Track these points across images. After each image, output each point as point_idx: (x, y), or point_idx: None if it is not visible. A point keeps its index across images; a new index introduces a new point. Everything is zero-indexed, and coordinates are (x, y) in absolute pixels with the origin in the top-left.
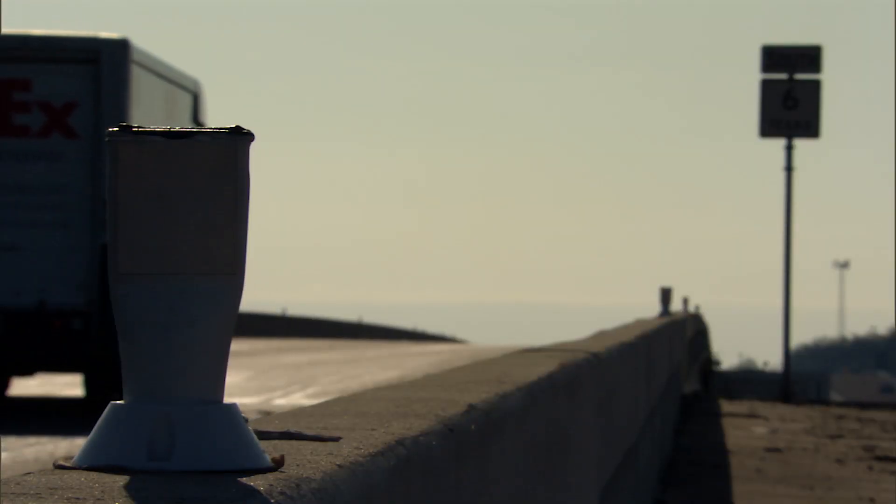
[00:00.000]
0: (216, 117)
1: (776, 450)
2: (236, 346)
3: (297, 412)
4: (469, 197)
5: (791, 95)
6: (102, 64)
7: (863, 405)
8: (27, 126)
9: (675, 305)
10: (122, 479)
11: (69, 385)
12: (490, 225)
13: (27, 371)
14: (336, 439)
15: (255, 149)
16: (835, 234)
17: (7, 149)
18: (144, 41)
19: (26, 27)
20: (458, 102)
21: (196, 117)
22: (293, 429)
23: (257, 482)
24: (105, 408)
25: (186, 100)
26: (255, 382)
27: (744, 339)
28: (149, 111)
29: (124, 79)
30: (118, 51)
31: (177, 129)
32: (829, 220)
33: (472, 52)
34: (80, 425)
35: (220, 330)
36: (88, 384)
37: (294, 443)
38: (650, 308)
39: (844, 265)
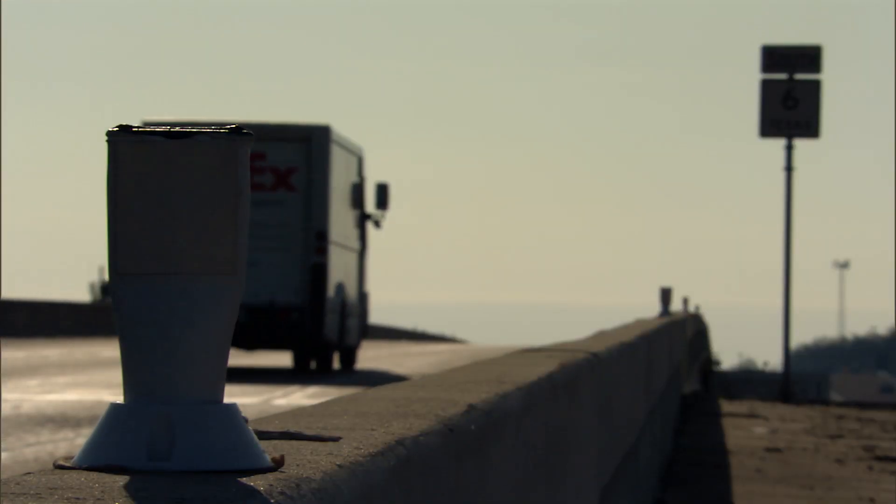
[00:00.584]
0: (216, 117)
1: (776, 450)
2: None
3: (297, 412)
4: (469, 197)
5: (791, 95)
6: (313, 142)
7: (863, 405)
8: (263, 183)
9: (675, 305)
10: (122, 479)
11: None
12: (490, 225)
13: (259, 347)
14: (336, 439)
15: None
16: (835, 234)
17: (250, 199)
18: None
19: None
20: (457, 102)
21: (360, 173)
22: (293, 429)
23: (257, 482)
24: (308, 372)
25: (356, 161)
26: (256, 382)
27: (744, 339)
28: (339, 172)
29: (326, 152)
30: (323, 133)
31: (176, 128)
32: (829, 220)
33: (471, 52)
34: (80, 425)
35: (220, 330)
36: (296, 358)
37: (294, 443)
38: (650, 308)
39: (844, 265)
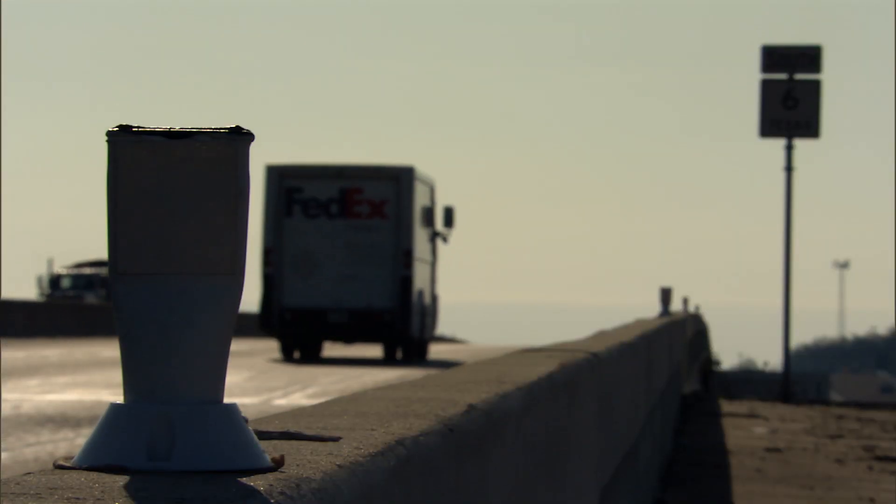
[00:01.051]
0: (216, 118)
1: (776, 450)
2: (236, 346)
3: (297, 412)
4: (469, 197)
5: (791, 95)
6: (401, 180)
7: (863, 405)
8: (361, 212)
9: (675, 305)
10: (122, 479)
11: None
12: (490, 225)
13: (358, 341)
14: (336, 439)
15: (254, 148)
16: (835, 234)
17: (352, 225)
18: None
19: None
20: (457, 102)
21: (432, 199)
22: (293, 429)
23: (257, 482)
24: (395, 361)
25: (429, 190)
26: (255, 382)
27: (744, 339)
28: (418, 201)
29: (411, 188)
30: (408, 173)
31: (177, 128)
32: (829, 220)
33: (470, 53)
34: (80, 425)
35: (220, 330)
36: (386, 350)
37: (294, 443)
38: (650, 308)
39: (844, 265)
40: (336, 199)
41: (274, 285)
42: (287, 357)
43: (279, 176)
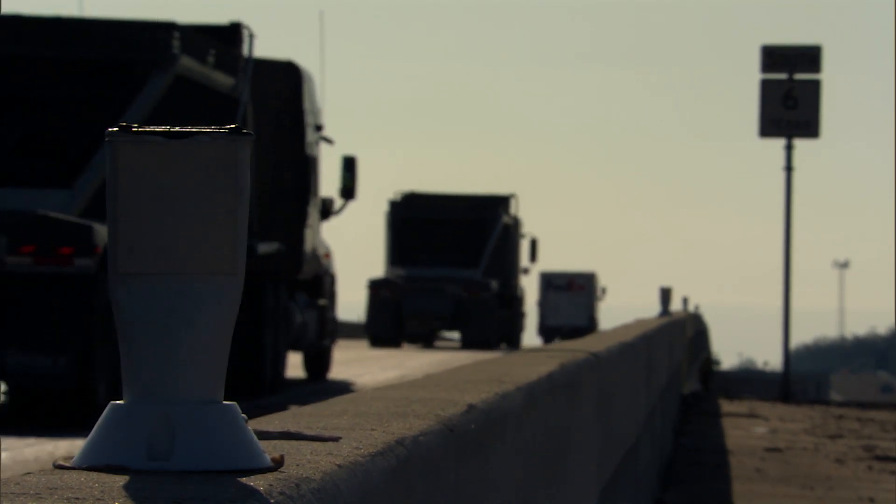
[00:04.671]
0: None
1: (776, 450)
2: None
3: (297, 412)
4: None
5: (791, 95)
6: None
7: (863, 405)
8: None
9: (675, 305)
10: (121, 479)
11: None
12: None
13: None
14: (336, 439)
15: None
16: (835, 234)
17: None
18: None
19: None
20: (457, 102)
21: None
22: (293, 429)
23: (257, 482)
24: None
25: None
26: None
27: (744, 339)
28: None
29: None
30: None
31: (177, 128)
32: (829, 220)
33: (472, 53)
34: (80, 425)
35: (220, 330)
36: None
37: (294, 443)
38: (650, 308)
39: (844, 265)
40: None
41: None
42: None
43: None
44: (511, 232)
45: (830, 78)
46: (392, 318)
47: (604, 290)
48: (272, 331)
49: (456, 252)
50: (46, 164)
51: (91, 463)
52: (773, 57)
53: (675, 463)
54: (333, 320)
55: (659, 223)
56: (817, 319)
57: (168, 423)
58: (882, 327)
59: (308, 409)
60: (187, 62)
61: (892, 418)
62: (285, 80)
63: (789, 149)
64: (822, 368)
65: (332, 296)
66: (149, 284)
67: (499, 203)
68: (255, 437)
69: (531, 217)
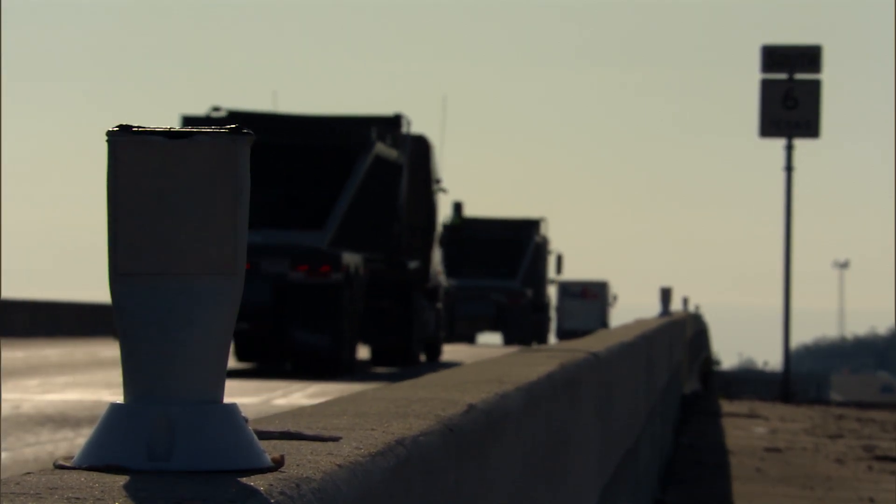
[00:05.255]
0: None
1: (776, 450)
2: None
3: (297, 412)
4: (469, 196)
5: (791, 95)
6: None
7: (863, 405)
8: None
9: (675, 305)
10: (121, 479)
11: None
12: None
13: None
14: (336, 439)
15: (254, 148)
16: (835, 234)
17: None
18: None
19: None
20: (457, 102)
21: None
22: (293, 429)
23: (257, 482)
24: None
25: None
26: (255, 382)
27: (744, 339)
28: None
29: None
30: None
31: (177, 128)
32: (829, 220)
33: (471, 52)
34: (80, 425)
35: (220, 330)
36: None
37: (294, 443)
38: (650, 308)
39: (844, 265)
40: None
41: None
42: None
43: None
44: (541, 249)
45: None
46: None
47: (615, 297)
48: (417, 322)
49: (497, 266)
50: (304, 214)
51: (91, 463)
52: (773, 57)
53: (675, 463)
54: (443, 318)
55: (659, 223)
56: (817, 319)
57: (168, 424)
58: (882, 327)
59: (308, 409)
60: (379, 146)
61: (892, 418)
62: (420, 149)
63: (789, 149)
64: (822, 368)
65: (442, 300)
66: (149, 284)
67: (532, 225)
68: (255, 437)
69: (528, 216)
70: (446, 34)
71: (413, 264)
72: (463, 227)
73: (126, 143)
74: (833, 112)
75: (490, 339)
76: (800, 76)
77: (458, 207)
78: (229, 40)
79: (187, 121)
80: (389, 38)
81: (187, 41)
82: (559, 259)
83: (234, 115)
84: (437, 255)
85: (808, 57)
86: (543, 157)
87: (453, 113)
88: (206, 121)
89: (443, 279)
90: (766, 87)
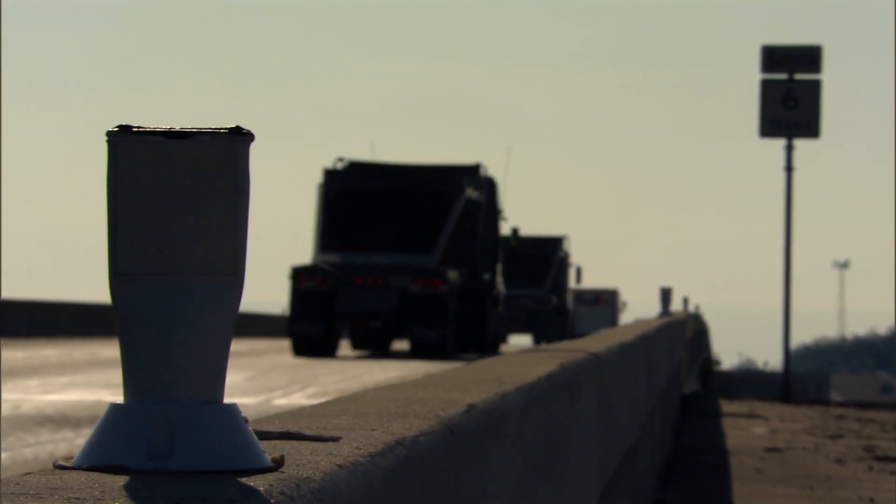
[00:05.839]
0: (216, 118)
1: (776, 450)
2: (236, 346)
3: (297, 412)
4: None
5: (791, 95)
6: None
7: (863, 405)
8: None
9: (675, 305)
10: (121, 479)
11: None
12: None
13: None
14: (336, 439)
15: (254, 148)
16: (835, 234)
17: None
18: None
19: None
20: (456, 101)
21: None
22: (293, 429)
23: (257, 482)
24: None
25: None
26: (255, 382)
27: (744, 339)
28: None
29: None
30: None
31: (177, 128)
32: (829, 220)
33: (469, 52)
34: (80, 425)
35: (220, 330)
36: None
37: (294, 443)
38: (650, 308)
39: (844, 265)
40: None
41: None
42: None
43: None
44: (564, 262)
45: (830, 78)
46: None
47: (624, 304)
48: (487, 320)
49: (528, 276)
50: (418, 242)
51: (91, 463)
52: (773, 57)
53: (675, 463)
54: (502, 319)
55: (659, 223)
56: (817, 319)
57: (168, 424)
58: (882, 327)
59: (308, 409)
60: (468, 190)
61: (892, 418)
62: (491, 187)
63: (789, 149)
64: (822, 368)
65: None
66: (149, 284)
67: (557, 242)
68: (255, 437)
69: (531, 217)
70: (446, 34)
71: (486, 276)
72: (519, 246)
73: (126, 143)
74: (833, 112)
75: (521, 340)
76: (800, 76)
77: (515, 231)
78: (229, 40)
79: (328, 173)
80: (389, 38)
81: (187, 41)
82: (578, 271)
83: (357, 166)
84: (499, 269)
85: (808, 57)
86: (543, 156)
87: (454, 112)
88: (333, 172)
89: (502, 288)
90: (766, 87)
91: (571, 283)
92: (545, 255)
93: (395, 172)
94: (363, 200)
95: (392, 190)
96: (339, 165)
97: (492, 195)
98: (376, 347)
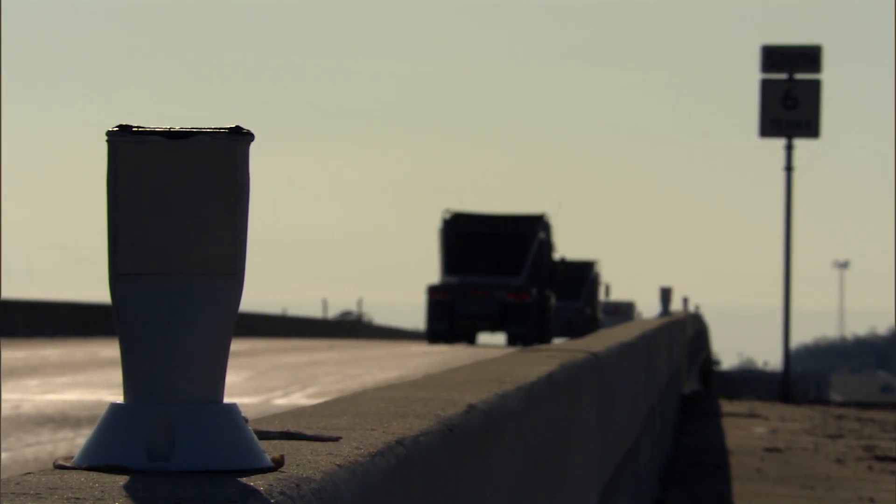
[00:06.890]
0: (216, 118)
1: (776, 450)
2: (236, 346)
3: (297, 412)
4: (467, 196)
5: (791, 95)
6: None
7: (863, 405)
8: None
9: (675, 305)
10: (121, 479)
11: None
12: None
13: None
14: (336, 439)
15: (254, 148)
16: (835, 234)
17: None
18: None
19: None
20: (456, 102)
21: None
22: (293, 429)
23: (257, 482)
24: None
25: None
26: (255, 382)
27: (744, 339)
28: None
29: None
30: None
31: (177, 128)
32: (829, 220)
33: (468, 52)
34: (80, 425)
35: (220, 330)
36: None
37: (294, 443)
38: (650, 308)
39: (844, 265)
40: None
41: None
42: None
43: None
44: (595, 280)
45: (830, 78)
46: None
47: (639, 314)
48: (549, 323)
49: (567, 292)
50: (510, 267)
51: (91, 463)
52: (773, 57)
53: (675, 463)
54: (552, 320)
55: (659, 223)
56: (817, 319)
57: (168, 423)
58: (882, 327)
59: (308, 409)
60: (540, 234)
61: (892, 418)
62: (548, 228)
63: (789, 149)
64: (822, 368)
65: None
66: (149, 284)
67: (591, 266)
68: (255, 437)
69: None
70: (446, 34)
71: (547, 293)
72: (566, 270)
73: (126, 143)
74: (833, 112)
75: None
76: (800, 76)
77: (563, 259)
78: (229, 40)
79: (445, 222)
80: (389, 38)
81: (187, 41)
82: (607, 287)
83: (460, 217)
84: (553, 284)
85: (808, 57)
86: (543, 156)
87: (453, 112)
88: (448, 221)
89: (553, 301)
90: (766, 87)
91: (601, 297)
92: (582, 274)
93: (490, 220)
94: (472, 240)
95: (491, 233)
96: (447, 216)
97: (549, 234)
98: (471, 341)
